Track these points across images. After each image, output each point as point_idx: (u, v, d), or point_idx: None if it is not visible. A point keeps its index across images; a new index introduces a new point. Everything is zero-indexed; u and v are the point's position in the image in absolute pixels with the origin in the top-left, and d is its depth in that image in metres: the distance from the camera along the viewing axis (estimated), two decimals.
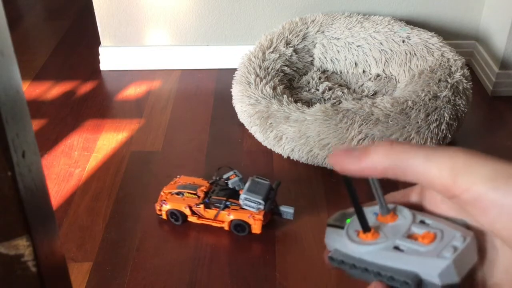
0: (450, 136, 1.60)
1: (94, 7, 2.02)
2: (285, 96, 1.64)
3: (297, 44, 1.90)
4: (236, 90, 1.74)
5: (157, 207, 1.40)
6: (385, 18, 1.93)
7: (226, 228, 1.37)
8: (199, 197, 1.38)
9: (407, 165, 0.30)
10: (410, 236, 0.33)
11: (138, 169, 1.60)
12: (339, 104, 1.67)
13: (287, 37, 1.89)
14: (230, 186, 1.38)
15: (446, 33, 2.02)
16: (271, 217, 1.38)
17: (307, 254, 1.32)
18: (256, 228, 1.34)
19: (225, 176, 1.41)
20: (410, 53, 1.83)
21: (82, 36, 2.40)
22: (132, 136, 1.74)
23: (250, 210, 1.34)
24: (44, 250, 0.35)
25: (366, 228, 0.34)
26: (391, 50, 1.87)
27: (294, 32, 1.91)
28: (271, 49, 1.84)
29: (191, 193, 1.39)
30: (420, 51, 1.81)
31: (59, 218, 1.42)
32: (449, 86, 1.61)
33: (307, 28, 1.92)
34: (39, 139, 1.72)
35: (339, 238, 0.36)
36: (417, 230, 0.33)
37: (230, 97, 1.79)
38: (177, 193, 1.40)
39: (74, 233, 1.38)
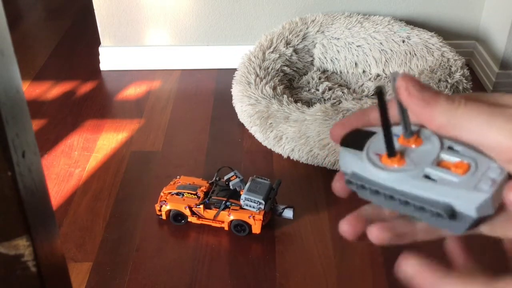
0: None
1: (94, 7, 2.02)
2: (285, 96, 1.64)
3: (297, 44, 1.90)
4: (236, 90, 1.74)
5: (157, 208, 1.40)
6: (385, 18, 1.93)
7: (226, 228, 1.36)
8: (199, 197, 1.38)
9: (465, 127, 0.29)
10: (440, 164, 0.31)
11: (138, 169, 1.60)
12: (339, 104, 1.67)
13: (287, 37, 1.89)
14: (231, 187, 1.38)
15: (446, 33, 2.02)
16: (271, 217, 1.39)
17: (307, 254, 1.32)
18: (256, 228, 1.34)
19: (226, 177, 1.41)
20: (410, 53, 1.83)
21: (82, 36, 2.40)
22: (132, 136, 1.74)
23: (251, 210, 1.34)
24: (44, 250, 0.35)
25: (392, 152, 0.31)
26: (391, 50, 1.87)
27: (294, 32, 1.91)
28: (271, 49, 1.84)
29: (191, 194, 1.39)
30: (420, 51, 1.81)
31: (59, 218, 1.42)
32: (449, 86, 1.61)
33: (307, 28, 1.92)
34: (39, 139, 1.72)
35: (357, 161, 0.33)
36: (448, 157, 0.31)
37: (230, 97, 1.79)
38: (177, 194, 1.39)
39: (74, 233, 1.38)
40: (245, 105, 1.66)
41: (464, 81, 1.65)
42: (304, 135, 1.53)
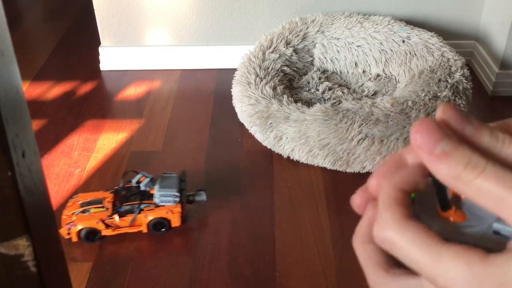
0: None
1: (94, 7, 2.02)
2: (285, 96, 1.64)
3: (297, 44, 1.90)
4: (236, 90, 1.74)
5: (65, 232, 1.33)
6: (385, 18, 1.93)
7: (145, 230, 1.35)
8: (107, 209, 1.34)
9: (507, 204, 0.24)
10: (499, 220, 0.28)
11: (138, 169, 1.60)
12: (339, 104, 1.67)
13: (287, 37, 1.89)
14: (143, 188, 1.36)
15: (446, 33, 2.02)
16: (186, 206, 1.39)
17: (307, 254, 1.31)
18: (176, 221, 1.35)
19: (134, 180, 1.38)
20: (410, 53, 1.83)
21: (82, 36, 2.40)
22: (132, 136, 1.74)
23: (168, 205, 1.34)
24: (44, 250, 0.35)
25: (446, 205, 0.29)
26: (391, 50, 1.87)
27: (294, 32, 1.91)
28: (271, 49, 1.84)
29: (97, 208, 1.35)
30: (420, 51, 1.81)
31: (59, 218, 1.42)
32: (449, 86, 1.61)
33: (307, 28, 1.92)
34: (39, 139, 1.72)
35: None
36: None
37: (230, 97, 1.79)
38: (83, 211, 1.34)
39: None
40: (245, 105, 1.66)
41: (464, 81, 1.65)
42: (304, 135, 1.53)
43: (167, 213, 1.34)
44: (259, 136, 1.66)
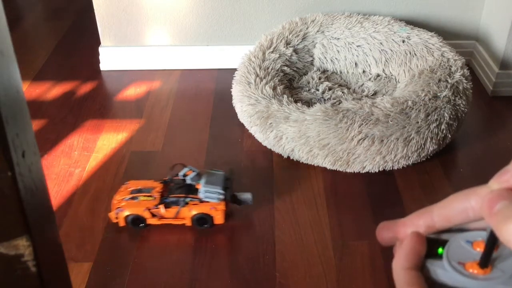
0: (450, 136, 1.60)
1: (94, 7, 2.02)
2: (285, 96, 1.64)
3: (297, 44, 1.90)
4: (236, 90, 1.74)
5: (113, 216, 1.37)
6: (385, 18, 1.93)
7: (188, 224, 1.37)
8: (155, 198, 1.37)
9: None
10: None
11: (138, 169, 1.60)
12: (339, 104, 1.67)
13: (287, 37, 1.89)
14: (189, 182, 1.38)
15: (446, 33, 2.02)
16: (231, 206, 1.40)
17: (307, 254, 1.32)
18: (219, 219, 1.36)
19: (181, 173, 1.40)
20: (410, 53, 1.83)
21: (82, 36, 2.40)
22: (132, 136, 1.74)
23: (212, 201, 1.35)
24: (44, 250, 0.35)
25: (485, 263, 0.33)
26: (391, 50, 1.87)
27: (294, 32, 1.91)
28: (271, 49, 1.84)
29: (146, 196, 1.37)
30: (420, 51, 1.81)
31: (59, 218, 1.42)
32: (449, 86, 1.61)
33: (307, 28, 1.92)
34: (39, 139, 1.72)
35: (439, 270, 0.34)
36: None
37: (230, 97, 1.79)
38: (132, 198, 1.37)
39: (74, 233, 1.38)
40: (245, 105, 1.66)
41: (464, 81, 1.65)
42: (304, 135, 1.54)
43: (210, 210, 1.36)
44: (259, 136, 1.66)
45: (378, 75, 1.90)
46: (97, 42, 2.12)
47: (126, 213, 1.36)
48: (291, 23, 1.94)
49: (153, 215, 1.36)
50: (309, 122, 1.53)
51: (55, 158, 1.64)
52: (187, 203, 1.36)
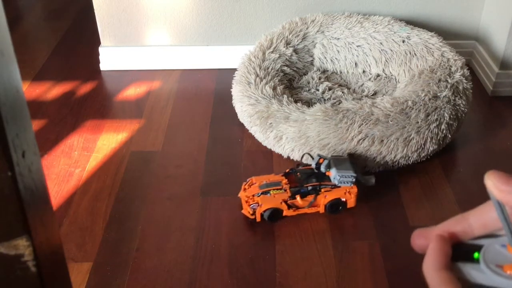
0: (450, 136, 1.60)
1: (94, 7, 2.02)
2: (285, 96, 1.64)
3: (297, 44, 1.90)
4: (236, 90, 1.74)
5: (249, 212, 1.38)
6: (385, 18, 1.93)
7: (322, 211, 1.40)
8: (285, 190, 1.39)
9: None
10: None
11: (138, 169, 1.60)
12: (339, 104, 1.67)
13: (287, 37, 1.89)
14: (323, 170, 1.41)
15: (446, 33, 2.02)
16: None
17: (307, 254, 1.32)
18: (352, 202, 1.40)
19: (313, 162, 1.43)
20: (410, 53, 1.83)
21: (82, 36, 2.40)
22: (132, 136, 1.74)
23: (345, 185, 1.39)
24: (44, 250, 0.35)
25: None
26: (391, 50, 1.87)
27: (294, 32, 1.91)
28: (271, 49, 1.84)
29: (277, 189, 1.40)
30: (420, 51, 1.81)
31: (59, 218, 1.42)
32: (449, 86, 1.61)
33: (307, 28, 1.92)
34: (39, 139, 1.72)
35: (478, 273, 0.35)
36: None
37: (230, 97, 1.79)
38: (263, 193, 1.39)
39: (74, 233, 1.38)
40: (245, 105, 1.66)
41: (464, 81, 1.65)
42: (304, 135, 1.54)
43: (345, 194, 1.39)
44: (259, 136, 1.66)
45: (378, 75, 1.90)
46: (97, 42, 2.12)
47: (264, 207, 1.37)
48: (291, 23, 1.94)
49: (289, 207, 1.38)
50: (309, 122, 1.53)
51: (55, 158, 1.64)
52: (320, 191, 1.39)
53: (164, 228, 1.39)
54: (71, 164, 1.62)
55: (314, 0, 2.02)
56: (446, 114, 1.55)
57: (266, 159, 1.63)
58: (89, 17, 2.29)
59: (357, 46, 1.92)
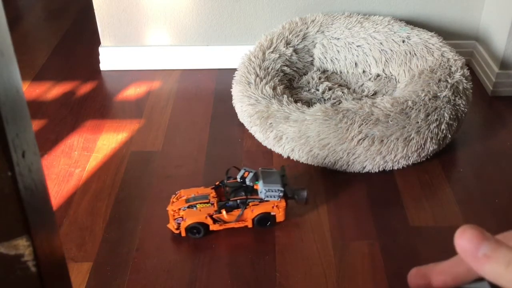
0: (450, 136, 1.60)
1: (94, 7, 2.02)
2: (285, 96, 1.64)
3: (297, 44, 1.90)
4: (236, 90, 1.74)
5: (173, 226, 1.35)
6: (385, 18, 1.93)
7: (250, 225, 1.37)
8: (212, 204, 1.36)
9: None
10: None
11: (138, 169, 1.60)
12: (339, 104, 1.67)
13: (287, 37, 1.89)
14: (248, 183, 1.37)
15: (446, 33, 2.02)
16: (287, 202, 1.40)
17: (307, 254, 1.32)
18: (281, 216, 1.37)
19: (239, 176, 1.39)
20: (410, 53, 1.83)
21: (82, 36, 2.40)
22: (132, 136, 1.74)
23: (272, 200, 1.35)
24: (44, 250, 0.35)
25: None
26: (391, 50, 1.87)
27: (294, 32, 1.91)
28: (271, 49, 1.84)
29: (203, 203, 1.36)
30: (420, 51, 1.81)
31: (59, 218, 1.42)
32: (449, 86, 1.61)
33: (307, 28, 1.92)
34: (39, 139, 1.72)
35: None
36: None
37: (230, 97, 1.79)
38: (189, 207, 1.36)
39: (74, 233, 1.38)
40: (245, 105, 1.66)
41: (464, 81, 1.65)
42: (304, 135, 1.54)
43: (273, 208, 1.36)
44: (259, 136, 1.66)
45: (378, 75, 1.90)
46: (97, 42, 2.12)
47: (188, 222, 1.33)
48: (291, 23, 1.94)
49: (215, 221, 1.35)
50: (309, 122, 1.53)
51: (55, 158, 1.64)
52: (247, 205, 1.36)
53: (164, 228, 1.39)
54: (71, 164, 1.62)
55: (314, 0, 2.02)
56: (446, 114, 1.55)
57: (266, 159, 1.63)
58: (89, 17, 2.29)
59: (357, 46, 1.92)
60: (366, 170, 1.55)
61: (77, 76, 2.08)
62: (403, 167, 1.57)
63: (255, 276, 1.26)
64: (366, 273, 1.27)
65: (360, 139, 1.50)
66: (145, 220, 1.42)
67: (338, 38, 1.93)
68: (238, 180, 1.38)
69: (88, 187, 1.53)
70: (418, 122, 1.52)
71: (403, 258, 1.29)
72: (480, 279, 0.35)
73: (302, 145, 1.55)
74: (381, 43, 1.89)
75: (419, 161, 1.58)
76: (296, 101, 1.66)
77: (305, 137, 1.54)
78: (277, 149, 1.62)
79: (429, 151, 1.57)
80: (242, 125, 1.73)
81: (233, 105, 1.77)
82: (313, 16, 1.96)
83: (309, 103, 1.72)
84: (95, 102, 1.92)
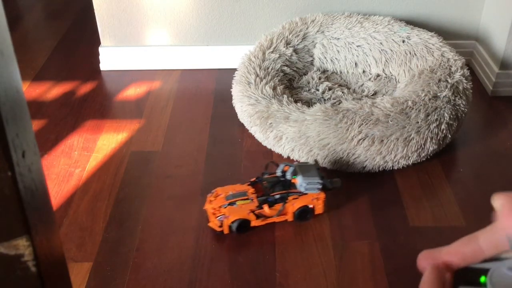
0: (450, 136, 1.60)
1: (94, 7, 2.02)
2: (285, 96, 1.64)
3: (297, 44, 1.90)
4: (236, 90, 1.74)
5: (217, 224, 1.35)
6: (385, 18, 1.93)
7: (290, 219, 1.38)
8: (252, 200, 1.36)
9: None
10: None
11: (138, 169, 1.60)
12: (339, 104, 1.68)
13: (287, 37, 1.89)
14: (288, 177, 1.39)
15: (446, 33, 2.02)
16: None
17: (307, 254, 1.32)
18: (320, 208, 1.39)
19: (279, 170, 1.41)
20: (410, 53, 1.83)
21: (82, 36, 2.40)
22: (132, 136, 1.74)
23: (312, 192, 1.37)
24: (44, 250, 0.35)
25: None
26: (391, 50, 1.87)
27: (294, 32, 1.91)
28: (271, 49, 1.84)
29: (243, 200, 1.36)
30: (420, 51, 1.81)
31: (59, 218, 1.42)
32: (449, 86, 1.61)
33: (307, 28, 1.92)
34: (39, 139, 1.72)
35: None
36: None
37: (230, 97, 1.80)
38: (230, 204, 1.35)
39: (74, 233, 1.38)
40: (245, 105, 1.66)
41: (464, 81, 1.65)
42: (304, 135, 1.54)
43: (312, 201, 1.37)
44: (259, 136, 1.66)
45: (378, 75, 1.90)
46: (97, 42, 2.12)
47: (232, 219, 1.33)
48: (291, 23, 1.94)
49: (257, 217, 1.36)
50: (309, 122, 1.53)
51: (55, 158, 1.64)
52: (287, 199, 1.37)
53: (164, 228, 1.39)
54: (71, 164, 1.62)
55: (314, 0, 2.02)
56: (446, 114, 1.55)
57: (266, 159, 1.63)
58: (89, 17, 2.30)
59: (357, 46, 1.92)
60: (366, 170, 1.55)
61: (77, 76, 2.08)
62: (403, 167, 1.57)
63: (255, 276, 1.26)
64: (366, 273, 1.27)
65: (360, 139, 1.50)
66: (145, 220, 1.42)
67: (338, 38, 1.93)
68: (279, 174, 1.41)
69: (88, 187, 1.53)
70: (418, 122, 1.52)
71: (403, 258, 1.29)
72: (487, 260, 0.36)
73: (302, 145, 1.55)
74: (381, 43, 1.89)
75: (419, 161, 1.58)
76: (296, 101, 1.66)
77: (305, 137, 1.54)
78: (277, 149, 1.62)
79: (429, 151, 1.57)
80: (242, 125, 1.73)
81: (233, 105, 1.77)
82: (313, 16, 1.96)
83: (309, 103, 1.72)
84: (95, 102, 1.92)
